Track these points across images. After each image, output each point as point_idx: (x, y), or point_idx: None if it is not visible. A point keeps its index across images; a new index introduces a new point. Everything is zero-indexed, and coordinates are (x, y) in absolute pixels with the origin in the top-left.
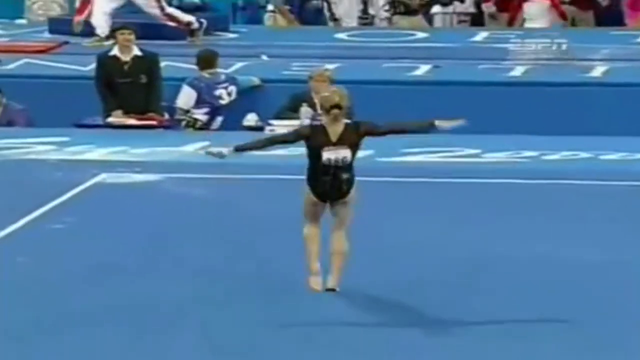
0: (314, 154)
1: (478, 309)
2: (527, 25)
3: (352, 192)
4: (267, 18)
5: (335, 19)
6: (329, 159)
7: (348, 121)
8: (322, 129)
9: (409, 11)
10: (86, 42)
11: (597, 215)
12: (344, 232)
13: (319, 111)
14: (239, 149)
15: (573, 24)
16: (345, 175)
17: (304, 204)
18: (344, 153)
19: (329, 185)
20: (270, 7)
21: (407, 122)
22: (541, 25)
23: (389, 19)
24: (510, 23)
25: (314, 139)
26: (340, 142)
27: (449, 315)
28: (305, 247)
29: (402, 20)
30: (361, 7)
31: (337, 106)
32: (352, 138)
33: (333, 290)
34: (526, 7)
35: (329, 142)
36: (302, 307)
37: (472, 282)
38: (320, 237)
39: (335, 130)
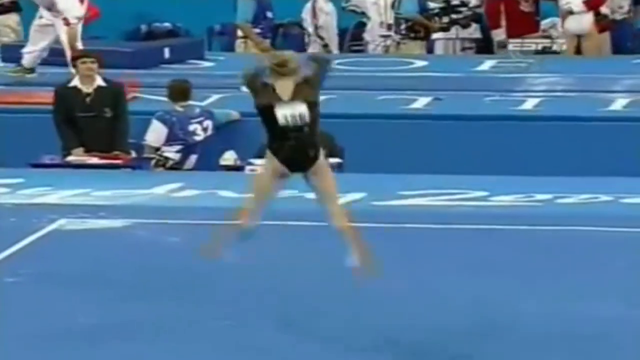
0: (267, 116)
1: None
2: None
3: (322, 158)
4: (238, 44)
5: (325, 45)
6: (285, 116)
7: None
8: (271, 88)
9: (423, 36)
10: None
11: (620, 265)
12: (336, 206)
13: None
14: None
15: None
16: (309, 139)
17: (263, 172)
18: (300, 109)
19: (293, 150)
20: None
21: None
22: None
23: (398, 44)
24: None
25: (262, 96)
26: (294, 99)
27: None
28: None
29: (413, 46)
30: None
31: (285, 63)
32: (305, 93)
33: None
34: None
35: (279, 100)
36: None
37: (475, 337)
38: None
39: (285, 88)
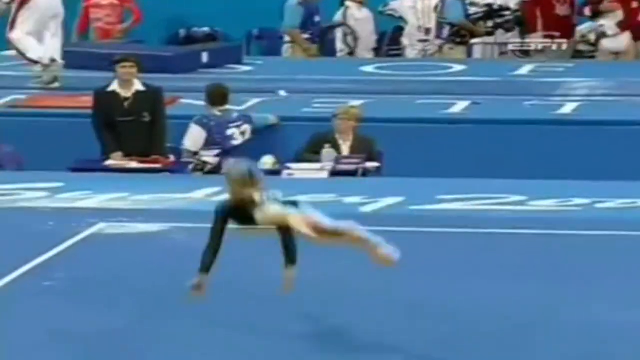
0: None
1: None
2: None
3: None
4: (286, 50)
5: (351, 52)
6: None
7: None
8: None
9: (468, 41)
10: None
11: None
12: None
13: (344, 153)
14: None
15: None
16: None
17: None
18: None
19: None
20: (287, 37)
21: None
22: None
23: (440, 48)
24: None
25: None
26: None
27: None
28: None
29: (457, 51)
30: (375, 37)
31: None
32: None
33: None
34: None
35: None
36: None
37: (515, 349)
38: None
39: None
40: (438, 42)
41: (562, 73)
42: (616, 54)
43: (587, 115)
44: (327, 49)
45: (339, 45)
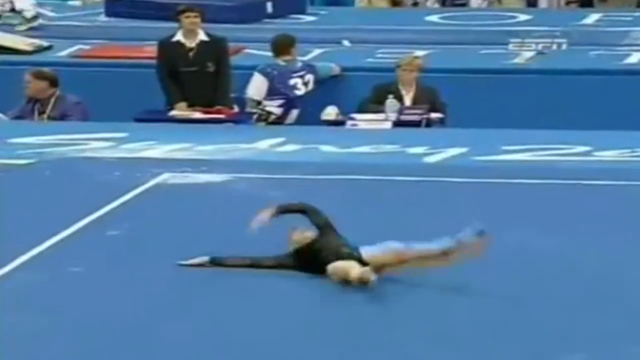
0: None
1: (588, 334)
2: None
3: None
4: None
5: (415, 3)
6: None
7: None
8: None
9: None
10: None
11: None
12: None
13: (406, 103)
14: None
15: None
16: None
17: None
18: None
19: None
20: None
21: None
22: None
23: None
24: None
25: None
26: None
27: (553, 338)
28: None
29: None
30: None
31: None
32: None
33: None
34: None
35: None
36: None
37: (581, 306)
38: None
39: None
40: None
41: (629, 22)
42: None
43: None
44: None
45: None
